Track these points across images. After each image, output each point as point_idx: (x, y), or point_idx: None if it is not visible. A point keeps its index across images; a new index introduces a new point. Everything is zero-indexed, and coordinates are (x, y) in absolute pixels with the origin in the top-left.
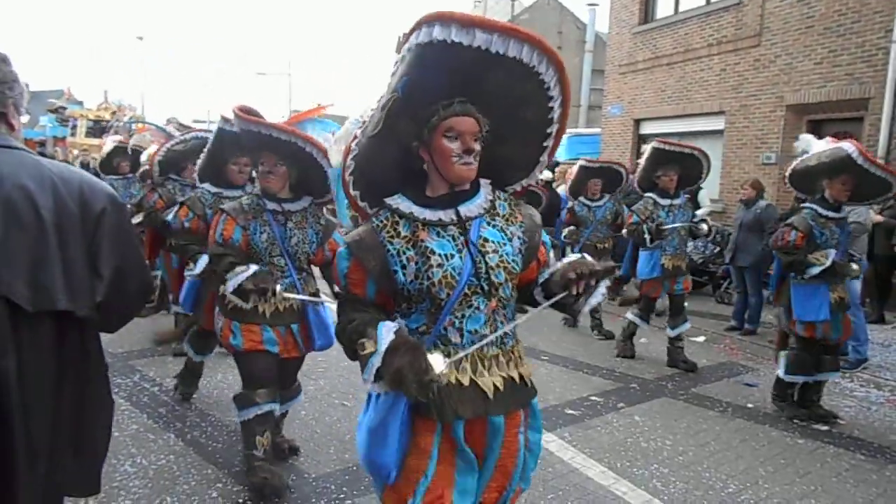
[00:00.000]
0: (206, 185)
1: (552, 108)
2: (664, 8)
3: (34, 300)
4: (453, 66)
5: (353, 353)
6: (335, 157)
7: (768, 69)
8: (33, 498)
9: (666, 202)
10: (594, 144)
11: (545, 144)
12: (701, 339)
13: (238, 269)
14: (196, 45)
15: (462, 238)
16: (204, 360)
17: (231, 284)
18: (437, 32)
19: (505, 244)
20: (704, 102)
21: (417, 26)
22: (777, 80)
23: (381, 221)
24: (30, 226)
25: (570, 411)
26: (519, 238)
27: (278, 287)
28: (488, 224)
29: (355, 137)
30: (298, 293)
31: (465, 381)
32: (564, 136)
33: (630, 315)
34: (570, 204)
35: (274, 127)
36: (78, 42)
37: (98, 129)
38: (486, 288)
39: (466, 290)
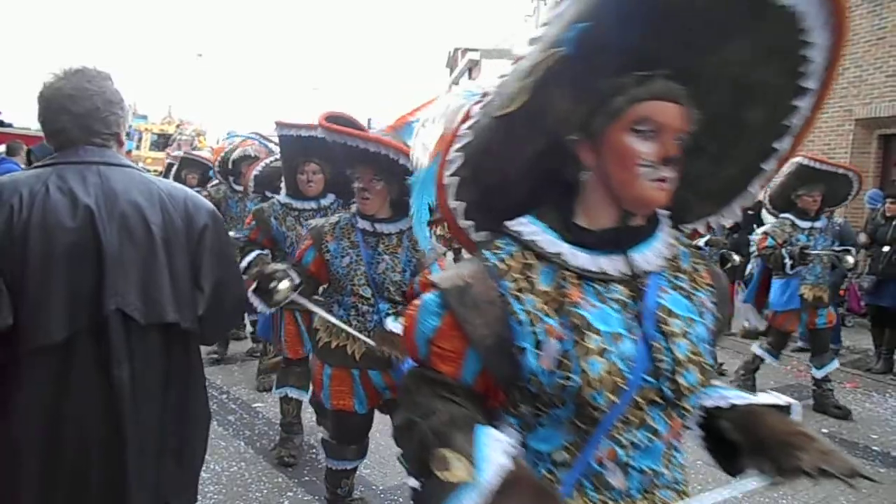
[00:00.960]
0: (280, 196)
1: (795, 108)
2: None
3: (146, 312)
4: (668, 12)
5: (422, 464)
6: (421, 151)
7: (836, 82)
8: None
9: (805, 224)
10: None
11: (762, 166)
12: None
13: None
14: (253, 62)
15: (635, 307)
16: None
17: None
18: None
19: (695, 321)
20: None
21: None
22: (846, 94)
23: (503, 260)
24: (141, 241)
25: None
26: (711, 313)
27: (282, 285)
28: (670, 285)
29: (467, 118)
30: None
31: None
32: None
33: (757, 349)
34: None
35: (361, 137)
36: (141, 59)
37: (162, 142)
38: (669, 395)
39: (638, 398)
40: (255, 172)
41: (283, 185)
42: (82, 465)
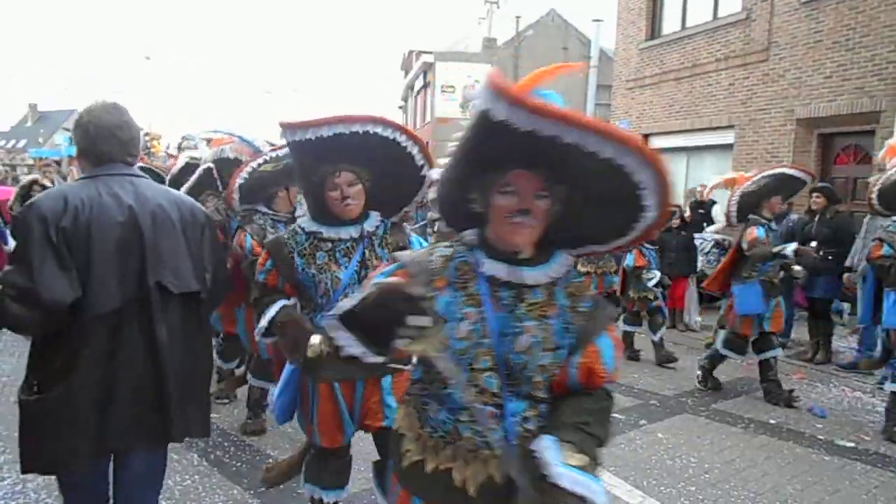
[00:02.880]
0: (303, 221)
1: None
2: (671, 23)
3: (178, 285)
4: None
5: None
6: None
7: (777, 83)
8: (180, 437)
9: None
10: None
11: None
12: None
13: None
14: (204, 65)
15: None
16: None
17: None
18: None
19: None
20: (713, 117)
21: None
22: (787, 94)
23: None
24: (169, 232)
25: None
26: None
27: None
28: None
29: None
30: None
31: None
32: None
33: (890, 385)
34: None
35: (567, 120)
36: (89, 61)
37: None
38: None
39: None
40: (238, 181)
41: (300, 204)
42: (131, 404)
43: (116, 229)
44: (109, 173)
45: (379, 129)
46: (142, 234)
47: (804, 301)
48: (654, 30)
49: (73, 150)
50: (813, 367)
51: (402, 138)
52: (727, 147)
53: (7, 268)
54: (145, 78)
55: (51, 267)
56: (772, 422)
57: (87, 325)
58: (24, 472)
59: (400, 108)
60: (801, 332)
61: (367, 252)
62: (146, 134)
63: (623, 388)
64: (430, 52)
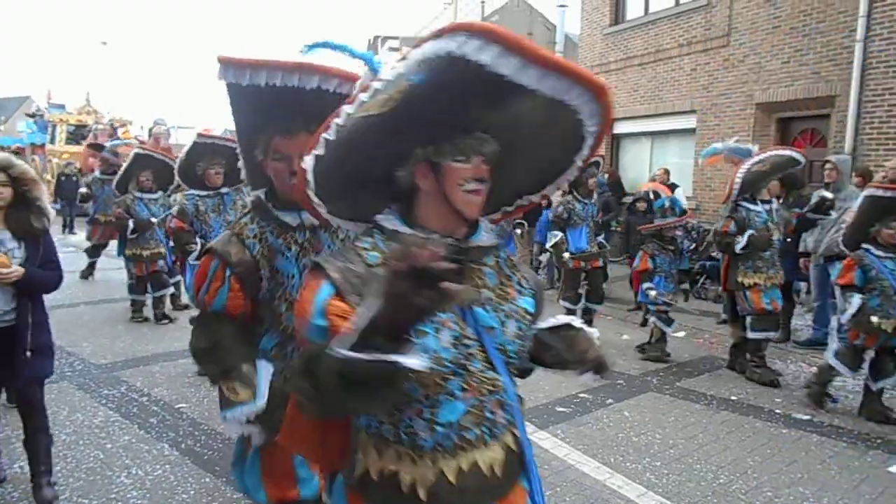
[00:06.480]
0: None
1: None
2: (634, 9)
3: None
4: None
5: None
6: None
7: (737, 68)
8: None
9: None
10: None
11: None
12: (681, 334)
13: None
14: (161, 49)
15: None
16: None
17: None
18: None
19: None
20: (676, 102)
21: None
22: (746, 79)
23: None
24: None
25: (561, 409)
26: None
27: None
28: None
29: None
30: None
31: None
32: None
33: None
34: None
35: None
36: (42, 49)
37: (79, 134)
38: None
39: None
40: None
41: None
42: None
43: None
44: None
45: None
46: None
47: None
48: (617, 15)
49: (38, 138)
50: (773, 345)
51: None
52: (690, 131)
53: None
54: (105, 63)
55: None
56: (733, 398)
57: None
58: None
59: None
60: None
61: None
62: (112, 119)
63: None
64: (397, 38)
